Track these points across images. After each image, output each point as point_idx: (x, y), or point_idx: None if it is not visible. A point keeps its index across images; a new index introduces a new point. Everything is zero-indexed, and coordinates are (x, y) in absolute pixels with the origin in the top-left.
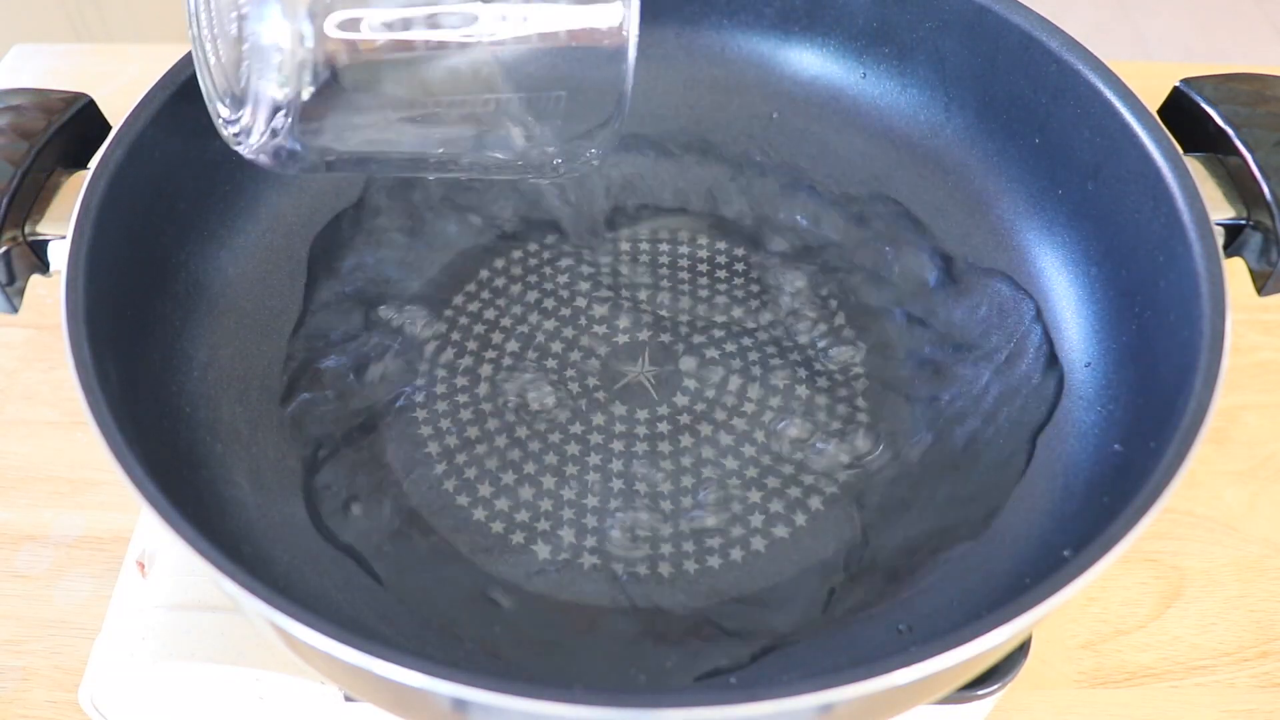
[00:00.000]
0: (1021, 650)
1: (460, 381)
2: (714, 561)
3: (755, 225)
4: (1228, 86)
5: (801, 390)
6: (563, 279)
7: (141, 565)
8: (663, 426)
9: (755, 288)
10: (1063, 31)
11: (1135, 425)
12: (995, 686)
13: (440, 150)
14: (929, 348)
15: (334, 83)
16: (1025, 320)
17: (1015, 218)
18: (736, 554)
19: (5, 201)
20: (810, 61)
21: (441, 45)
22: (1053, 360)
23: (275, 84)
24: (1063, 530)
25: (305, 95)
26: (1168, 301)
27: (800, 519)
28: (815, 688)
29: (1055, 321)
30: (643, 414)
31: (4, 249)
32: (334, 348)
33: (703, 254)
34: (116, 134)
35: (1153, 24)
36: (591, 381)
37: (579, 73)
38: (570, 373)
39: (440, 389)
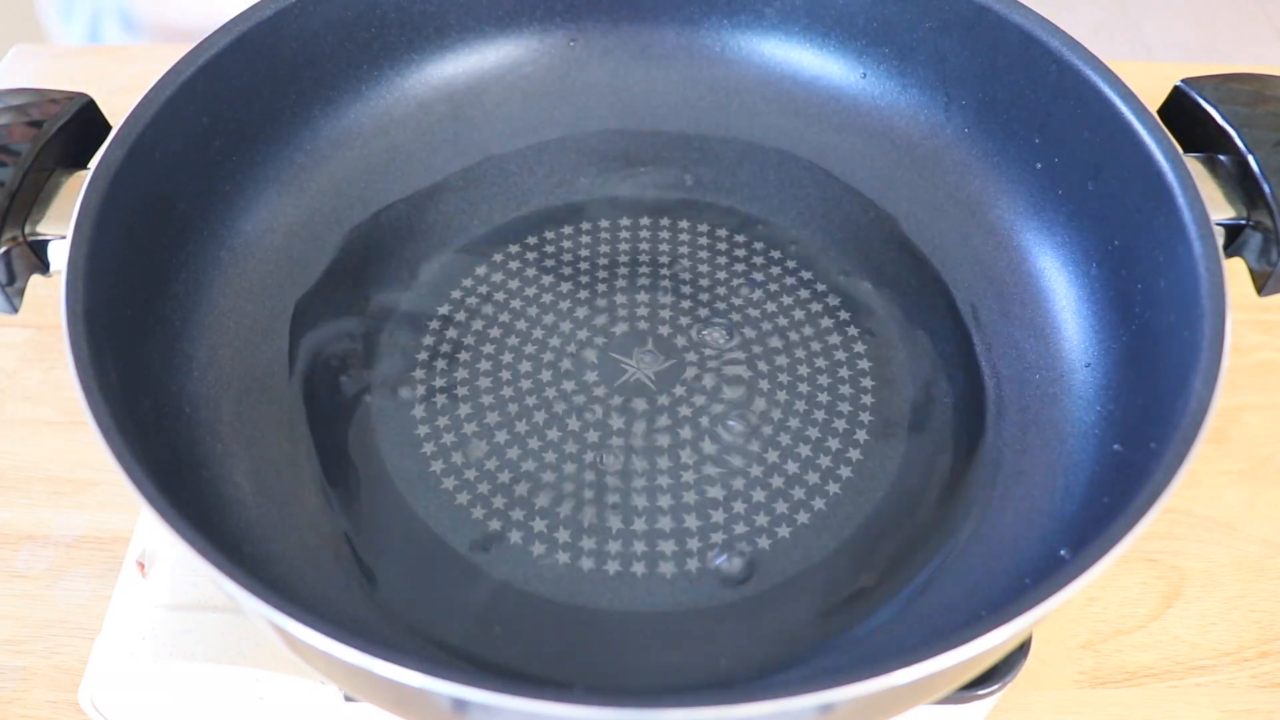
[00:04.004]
0: (1021, 650)
1: (459, 374)
2: (715, 560)
3: (755, 224)
4: (1228, 86)
5: (804, 386)
6: (562, 273)
7: (141, 565)
8: (662, 421)
9: (756, 278)
10: (1063, 31)
11: (1135, 425)
12: (995, 686)
13: None
14: (932, 346)
15: None
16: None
17: (1015, 218)
18: (739, 552)
19: (6, 201)
20: (810, 61)
21: None
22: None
23: None
24: (1063, 530)
25: None
26: (1168, 301)
27: (803, 517)
28: (815, 688)
29: (1055, 322)
30: (642, 409)
31: (4, 249)
32: (329, 345)
33: (703, 252)
34: (116, 134)
35: (1153, 24)
36: (590, 377)
37: None
38: (567, 367)
39: (438, 384)
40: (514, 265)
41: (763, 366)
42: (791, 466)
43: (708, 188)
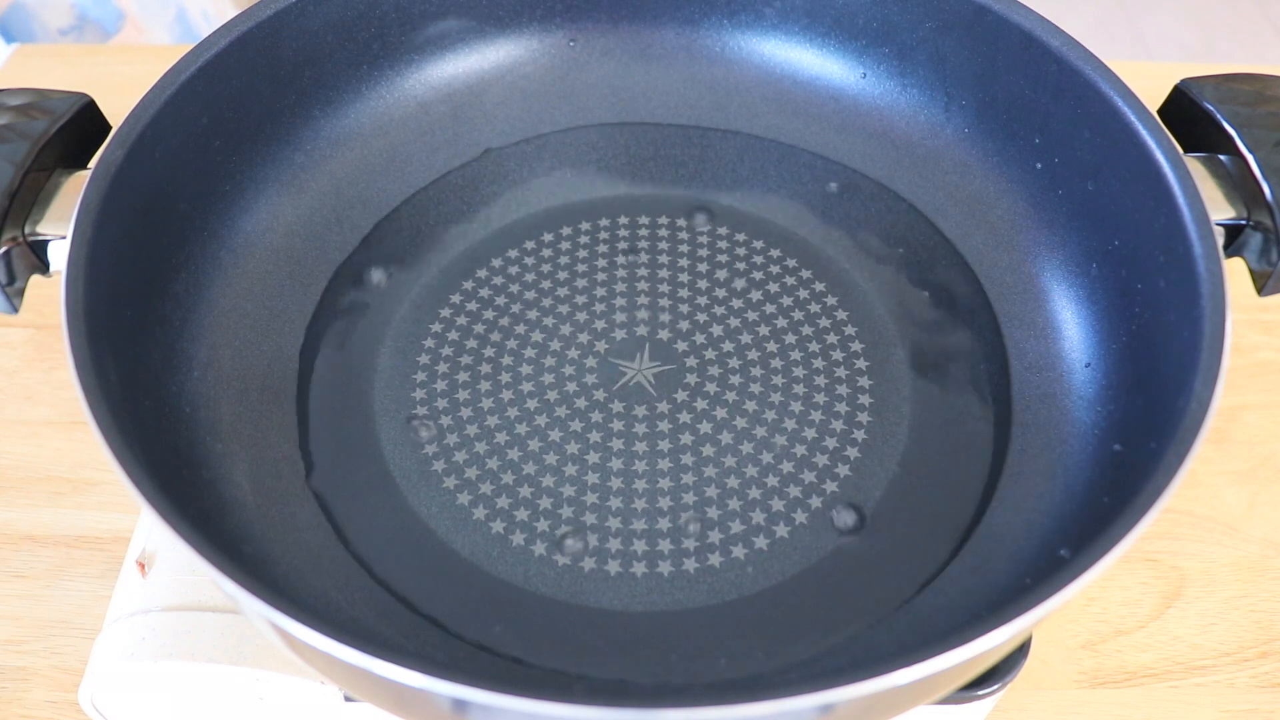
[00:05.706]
0: (1021, 650)
1: (461, 377)
2: (715, 560)
3: (756, 224)
4: (1228, 87)
5: (801, 388)
6: (561, 275)
7: (141, 565)
8: (663, 425)
9: (756, 278)
10: (1063, 31)
11: (1135, 425)
12: (995, 686)
13: None
14: (932, 347)
15: None
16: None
17: (1015, 218)
18: (739, 552)
19: (6, 201)
20: (810, 61)
21: None
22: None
23: None
24: (1063, 530)
25: None
26: (1168, 301)
27: (801, 517)
28: (815, 688)
29: (1055, 322)
30: (642, 412)
31: (4, 249)
32: (330, 346)
33: (703, 252)
34: (116, 134)
35: (1153, 24)
36: (590, 379)
37: None
38: (569, 370)
39: (439, 386)
40: (513, 269)
41: (761, 369)
42: (788, 466)
43: (707, 187)
